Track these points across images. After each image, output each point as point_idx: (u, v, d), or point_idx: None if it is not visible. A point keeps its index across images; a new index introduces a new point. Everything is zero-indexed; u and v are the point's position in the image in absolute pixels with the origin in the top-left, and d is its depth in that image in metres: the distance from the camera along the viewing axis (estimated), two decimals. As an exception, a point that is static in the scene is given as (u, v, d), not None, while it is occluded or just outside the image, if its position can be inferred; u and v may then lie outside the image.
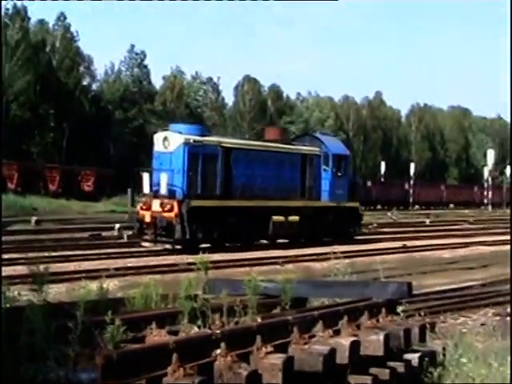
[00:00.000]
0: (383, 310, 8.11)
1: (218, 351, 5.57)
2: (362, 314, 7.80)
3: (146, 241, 26.05)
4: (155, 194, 25.71)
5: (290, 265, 23.26)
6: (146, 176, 26.19)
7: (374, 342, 6.94)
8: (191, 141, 25.98)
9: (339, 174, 31.50)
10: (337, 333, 6.99)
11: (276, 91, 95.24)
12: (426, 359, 7.96)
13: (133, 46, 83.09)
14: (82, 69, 76.51)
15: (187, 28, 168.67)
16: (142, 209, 26.01)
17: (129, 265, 21.29)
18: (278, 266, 22.56)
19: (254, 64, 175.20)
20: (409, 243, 32.09)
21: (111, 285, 16.75)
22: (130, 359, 5.01)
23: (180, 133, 26.13)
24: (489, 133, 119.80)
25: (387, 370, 7.12)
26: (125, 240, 28.47)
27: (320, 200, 30.97)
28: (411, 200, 76.19)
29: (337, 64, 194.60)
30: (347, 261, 21.28)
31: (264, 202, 28.09)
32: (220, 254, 24.43)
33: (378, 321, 7.82)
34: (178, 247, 25.45)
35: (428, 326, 10.25)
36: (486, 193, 75.43)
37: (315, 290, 8.95)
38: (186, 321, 6.77)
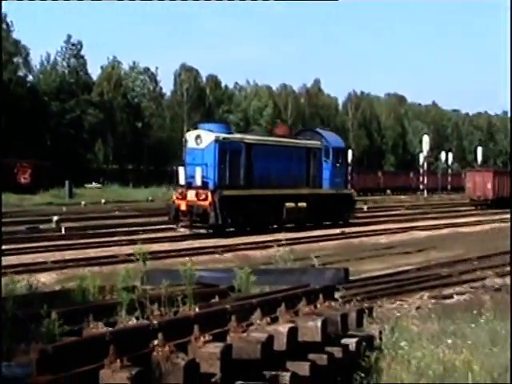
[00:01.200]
0: (321, 296, 8.20)
1: (156, 342, 5.56)
2: (300, 300, 7.87)
3: (183, 227, 29.32)
4: (189, 186, 28.97)
5: (230, 254, 23.34)
6: (181, 169, 29.45)
7: (311, 328, 7.01)
8: (220, 138, 29.39)
9: (338, 164, 35.25)
10: (275, 320, 7.04)
11: (214, 80, 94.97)
12: (364, 343, 8.09)
13: (69, 37, 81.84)
14: (17, 60, 75.06)
15: (125, 18, 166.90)
16: (177, 198, 29.24)
17: (67, 257, 21.05)
18: (217, 256, 22.62)
19: (193, 54, 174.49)
20: (347, 229, 32.44)
21: (48, 278, 16.59)
22: (66, 352, 4.96)
23: (211, 131, 29.71)
24: (424, 120, 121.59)
25: (325, 356, 7.21)
26: (63, 233, 28.21)
27: (322, 188, 34.65)
28: (349, 186, 76.81)
29: (275, 52, 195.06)
30: (287, 248, 21.56)
31: (278, 191, 31.45)
32: (160, 244, 24.41)
33: (315, 307, 7.91)
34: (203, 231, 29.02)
35: (365, 310, 10.42)
36: (421, 179, 76.55)
37: (255, 277, 8.98)
38: (124, 312, 6.74)
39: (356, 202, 38.60)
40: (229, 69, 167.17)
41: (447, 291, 17.19)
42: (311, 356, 7.11)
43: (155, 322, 5.87)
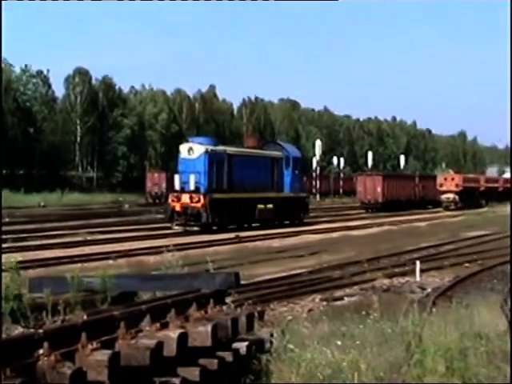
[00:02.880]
0: (211, 300, 8.21)
1: (41, 351, 5.45)
2: (190, 305, 7.86)
3: (178, 225, 34.03)
4: (183, 190, 33.98)
5: (123, 259, 23.08)
6: (177, 176, 34.87)
7: (201, 333, 7.01)
8: (209, 150, 34.65)
9: (296, 171, 40.72)
10: (165, 326, 7.01)
11: (108, 83, 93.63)
12: (254, 347, 8.15)
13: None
14: None
15: (16, 20, 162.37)
16: (172, 201, 34.32)
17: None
18: (110, 261, 22.32)
19: (87, 57, 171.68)
20: (241, 234, 32.64)
21: None
22: None
23: (201, 144, 35.08)
24: (317, 125, 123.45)
25: (215, 360, 7.22)
26: None
27: (284, 192, 39.90)
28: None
29: (170, 57, 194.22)
30: (181, 253, 21.48)
31: (252, 194, 36.59)
32: (51, 251, 23.89)
33: (206, 312, 7.92)
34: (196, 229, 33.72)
35: (257, 314, 10.50)
36: (314, 183, 77.71)
37: (144, 283, 8.92)
38: (9, 322, 6.57)
39: (309, 204, 43.98)
40: (124, 72, 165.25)
41: (338, 293, 17.55)
42: (202, 361, 7.11)
43: (40, 330, 5.74)
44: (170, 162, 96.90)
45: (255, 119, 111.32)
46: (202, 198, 33.38)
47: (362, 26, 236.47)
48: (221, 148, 36.78)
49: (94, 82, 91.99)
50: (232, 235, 31.99)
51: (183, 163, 34.80)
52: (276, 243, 29.95)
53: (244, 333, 8.26)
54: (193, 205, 33.48)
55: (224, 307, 8.69)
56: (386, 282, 19.34)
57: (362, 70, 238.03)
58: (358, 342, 9.34)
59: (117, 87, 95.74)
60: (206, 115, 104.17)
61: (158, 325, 6.86)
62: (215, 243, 28.77)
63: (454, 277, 20.15)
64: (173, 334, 6.66)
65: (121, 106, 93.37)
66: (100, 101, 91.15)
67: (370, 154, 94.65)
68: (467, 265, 23.08)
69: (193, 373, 6.83)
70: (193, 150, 34.54)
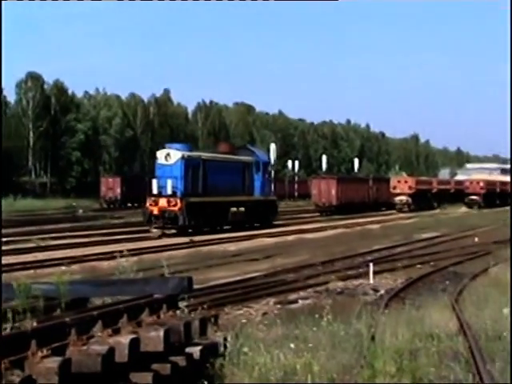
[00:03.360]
0: (164, 305, 8.20)
1: (-10, 359, 5.39)
2: (143, 310, 7.85)
3: (156, 228, 35.13)
4: (160, 194, 34.93)
5: (77, 265, 22.85)
6: (154, 181, 35.67)
7: (154, 338, 7.00)
8: (185, 155, 35.77)
9: (265, 175, 42.28)
10: (117, 331, 6.98)
11: (60, 88, 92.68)
12: (208, 351, 8.16)
13: None
14: None
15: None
16: (150, 205, 35.27)
17: None
18: (63, 267, 22.10)
19: (40, 61, 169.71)
20: (196, 238, 32.56)
21: None
22: None
23: (178, 150, 36.10)
24: (272, 128, 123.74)
25: (168, 365, 7.22)
26: None
27: (254, 195, 41.09)
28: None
29: (125, 61, 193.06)
30: (135, 258, 21.36)
31: (225, 198, 37.79)
32: (4, 258, 23.53)
33: (158, 317, 7.91)
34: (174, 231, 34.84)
35: (211, 318, 10.50)
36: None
37: (96, 289, 8.86)
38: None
39: (278, 206, 45.61)
40: (78, 77, 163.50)
41: (292, 296, 17.60)
42: (154, 366, 7.11)
43: (-11, 338, 5.68)
44: (124, 167, 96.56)
45: (210, 123, 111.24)
46: (178, 201, 34.67)
47: (313, 29, 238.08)
48: (196, 154, 38.37)
49: (46, 86, 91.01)
50: (187, 239, 31.90)
51: (160, 168, 35.92)
52: (231, 247, 29.93)
53: (197, 337, 8.27)
54: (170, 208, 34.74)
55: (177, 312, 8.69)
56: (340, 284, 19.47)
57: (315, 74, 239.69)
58: (311, 345, 9.41)
59: (70, 91, 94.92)
60: (160, 119, 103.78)
61: (109, 331, 6.83)
62: (170, 248, 28.65)
63: (407, 278, 20.36)
64: (124, 339, 6.64)
65: (74, 110, 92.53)
66: (53, 105, 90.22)
67: (324, 158, 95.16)
68: (420, 266, 23.35)
69: (145, 378, 6.83)
70: (170, 156, 35.66)
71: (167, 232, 34.82)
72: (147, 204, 35.84)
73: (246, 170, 40.93)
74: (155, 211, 34.99)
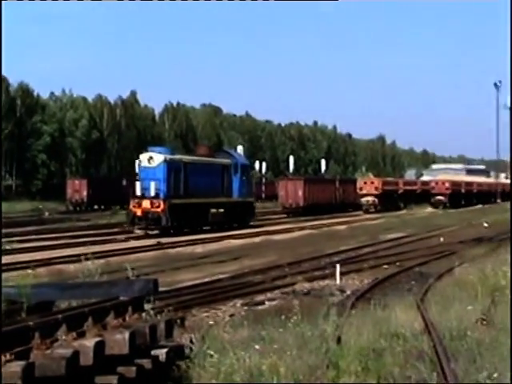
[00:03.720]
0: (130, 308, 8.17)
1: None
2: (108, 313, 7.81)
3: (139, 229, 36.44)
4: (143, 196, 36.20)
5: (43, 268, 22.63)
6: (138, 183, 36.81)
7: (119, 341, 6.98)
8: (168, 159, 37.05)
9: (243, 177, 43.39)
10: (81, 335, 6.95)
11: (25, 90, 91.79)
12: (174, 354, 8.14)
13: None
14: None
15: None
16: (134, 206, 36.36)
17: None
18: (29, 270, 21.89)
19: (4, 63, 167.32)
20: (163, 240, 32.46)
21: None
22: None
23: (160, 153, 37.48)
24: (239, 130, 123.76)
25: (134, 368, 7.20)
26: None
27: (233, 197, 42.32)
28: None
29: (91, 63, 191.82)
30: (102, 261, 21.24)
31: (205, 200, 39.14)
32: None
33: (124, 319, 7.88)
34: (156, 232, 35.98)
35: (178, 320, 10.49)
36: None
37: (62, 292, 8.82)
38: None
39: (255, 208, 46.86)
40: (43, 79, 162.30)
41: (259, 298, 17.62)
42: (120, 369, 7.08)
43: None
44: (90, 169, 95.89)
45: (177, 124, 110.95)
46: (161, 203, 35.84)
47: (278, 30, 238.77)
48: (177, 157, 39.95)
49: (11, 88, 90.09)
50: (154, 242, 31.78)
51: (143, 171, 36.99)
52: (198, 249, 29.86)
53: (163, 340, 8.25)
54: (153, 210, 35.89)
55: (143, 314, 8.66)
56: (307, 285, 19.53)
57: (282, 75, 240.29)
58: (277, 346, 9.44)
59: (35, 93, 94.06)
60: (127, 121, 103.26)
61: (74, 334, 6.79)
62: (137, 250, 28.53)
63: (373, 279, 20.47)
64: (89, 342, 6.61)
65: (40, 112, 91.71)
66: (18, 107, 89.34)
67: (291, 159, 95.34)
68: (386, 267, 23.49)
69: (111, 381, 6.81)
70: (153, 159, 36.83)
71: (150, 232, 36.03)
72: (130, 205, 36.97)
73: (224, 173, 42.10)
74: (138, 212, 36.17)
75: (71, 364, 6.13)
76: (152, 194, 35.96)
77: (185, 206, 37.19)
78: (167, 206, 35.72)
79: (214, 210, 39.86)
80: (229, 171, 42.34)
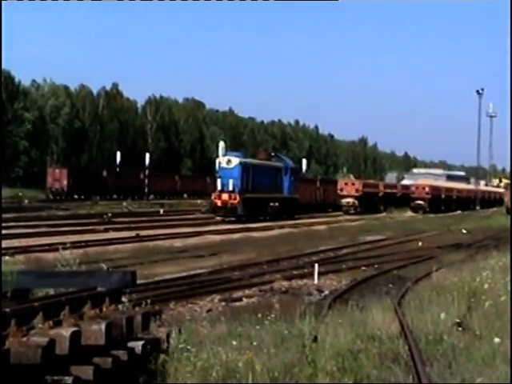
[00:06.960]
0: (107, 299, 8.11)
1: None
2: (85, 303, 7.75)
3: (219, 216, 45.34)
4: (223, 190, 45.20)
5: (21, 255, 22.47)
6: (218, 180, 45.87)
7: (95, 332, 6.92)
8: (242, 161, 46.76)
9: (291, 178, 53.69)
10: (58, 324, 6.88)
11: (7, 76, 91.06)
12: (150, 347, 8.09)
13: None
14: None
15: None
16: (215, 198, 45.61)
17: None
18: (7, 257, 21.74)
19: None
20: (143, 232, 32.36)
21: None
22: None
23: (237, 157, 47.28)
24: (221, 126, 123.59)
25: (110, 359, 7.14)
26: None
27: (283, 194, 52.26)
28: (146, 190, 76.75)
29: (74, 52, 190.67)
30: (81, 251, 21.13)
31: (266, 195, 49.00)
32: None
33: (101, 310, 7.82)
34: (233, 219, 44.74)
35: (155, 314, 10.43)
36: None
37: (39, 280, 8.73)
38: None
39: (298, 203, 55.36)
40: (25, 65, 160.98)
41: (237, 294, 17.60)
42: (96, 359, 7.02)
43: None
44: (71, 159, 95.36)
45: (160, 118, 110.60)
46: (237, 196, 44.81)
47: (266, 27, 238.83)
48: (248, 160, 49.46)
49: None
50: (133, 234, 31.68)
51: (223, 170, 46.02)
52: (177, 243, 29.78)
53: (140, 332, 8.20)
54: (231, 201, 44.71)
55: (120, 306, 8.61)
56: (285, 283, 19.53)
57: (266, 72, 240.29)
58: (254, 343, 9.42)
59: (16, 80, 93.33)
60: (109, 112, 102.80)
61: (50, 322, 6.73)
62: (116, 241, 28.43)
63: (351, 280, 20.52)
64: (65, 332, 6.55)
65: (21, 99, 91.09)
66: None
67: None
68: (364, 268, 23.53)
69: (86, 371, 6.74)
70: (230, 161, 46.16)
71: (227, 220, 44.44)
72: (212, 197, 46.36)
73: (278, 174, 52.18)
74: (219, 203, 45.20)
75: (47, 352, 6.07)
76: (230, 188, 44.81)
77: (253, 199, 46.15)
78: (242, 198, 44.61)
79: (272, 204, 49.60)
80: (281, 172, 52.35)
